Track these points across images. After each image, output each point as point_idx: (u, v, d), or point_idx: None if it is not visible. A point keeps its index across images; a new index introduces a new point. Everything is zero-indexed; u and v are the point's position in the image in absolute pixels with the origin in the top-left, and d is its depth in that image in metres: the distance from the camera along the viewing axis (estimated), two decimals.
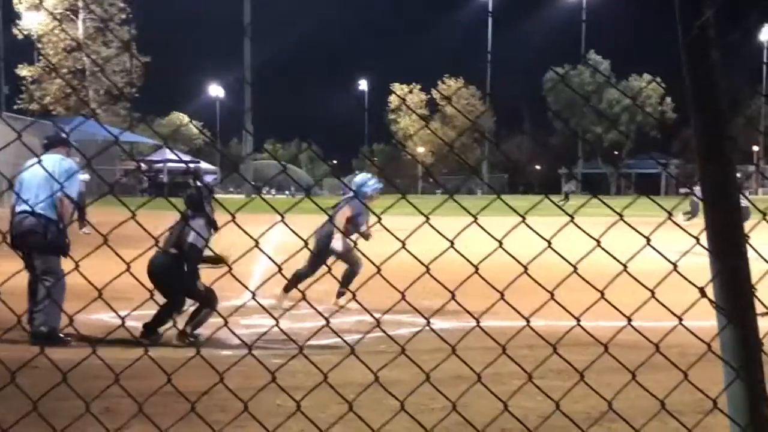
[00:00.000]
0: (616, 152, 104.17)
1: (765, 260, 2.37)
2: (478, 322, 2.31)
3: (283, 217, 2.30)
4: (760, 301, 2.23)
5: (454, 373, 3.37)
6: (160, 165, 69.28)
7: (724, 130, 2.28)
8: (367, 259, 2.44)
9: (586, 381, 2.50)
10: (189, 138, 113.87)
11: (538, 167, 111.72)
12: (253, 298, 2.58)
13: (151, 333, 8.76)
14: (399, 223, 3.27)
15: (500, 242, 2.30)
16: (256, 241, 2.27)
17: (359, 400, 6.09)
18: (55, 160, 8.91)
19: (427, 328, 9.22)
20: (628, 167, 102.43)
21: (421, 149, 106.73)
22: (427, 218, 2.32)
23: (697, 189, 2.34)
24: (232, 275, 2.22)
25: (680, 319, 2.34)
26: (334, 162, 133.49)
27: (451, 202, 2.43)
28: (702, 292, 2.28)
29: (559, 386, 4.15)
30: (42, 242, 8.48)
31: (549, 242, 2.31)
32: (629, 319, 2.35)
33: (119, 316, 2.63)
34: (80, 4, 67.89)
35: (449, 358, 2.81)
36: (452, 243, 2.31)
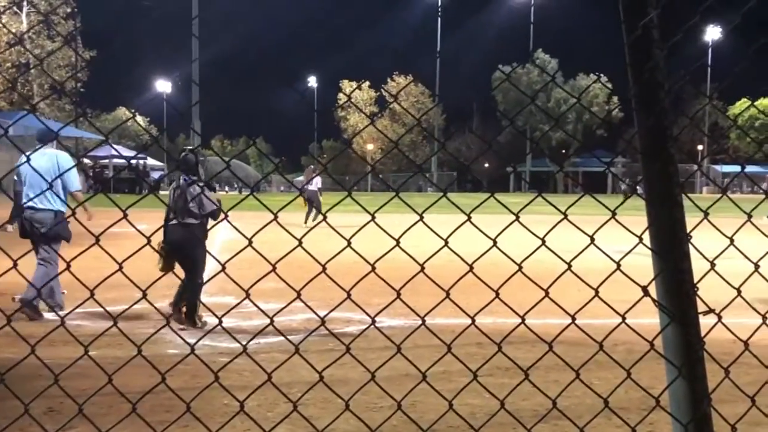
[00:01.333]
0: (563, 151, 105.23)
1: (706, 259, 2.39)
2: (423, 321, 2.30)
3: (276, 216, 2.27)
4: (701, 299, 2.25)
5: (404, 371, 3.35)
6: (105, 161, 68.39)
7: (667, 129, 2.29)
8: (313, 258, 2.41)
9: (530, 379, 2.50)
10: (136, 134, 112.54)
11: (486, 165, 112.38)
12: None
13: (194, 320, 9.56)
14: (347, 221, 3.26)
15: (446, 241, 2.29)
16: (250, 240, 2.24)
17: (309, 398, 6.12)
18: (51, 156, 9.80)
19: (382, 326, 9.09)
20: (575, 165, 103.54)
21: (370, 146, 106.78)
22: (373, 217, 2.30)
23: (641, 188, 2.35)
24: (174, 274, 2.18)
25: (623, 318, 2.35)
26: (283, 158, 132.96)
27: (399, 199, 2.42)
28: (645, 290, 2.30)
29: (507, 383, 4.17)
30: (52, 233, 9.49)
31: (494, 241, 2.31)
32: (573, 318, 2.36)
33: (60, 316, 2.57)
34: None
35: (400, 356, 2.80)
36: (398, 242, 2.30)
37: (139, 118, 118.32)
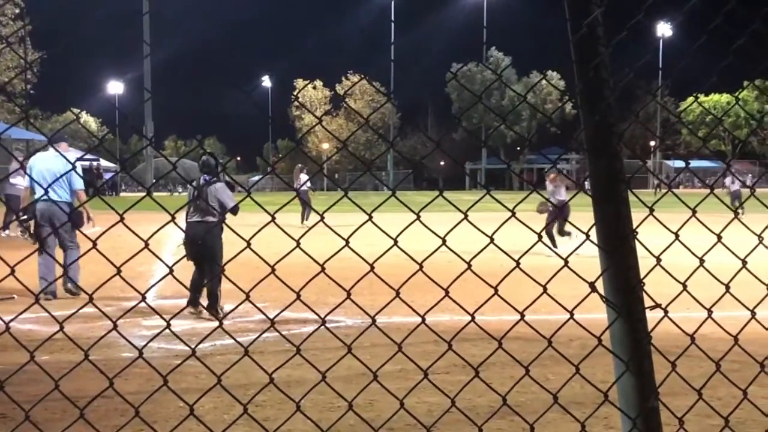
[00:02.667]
0: (518, 148, 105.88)
1: (652, 255, 2.41)
2: (374, 320, 2.29)
3: (273, 217, 2.24)
4: (648, 295, 2.28)
5: (362, 371, 3.35)
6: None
7: (613, 126, 2.31)
8: (262, 259, 2.40)
9: (481, 377, 2.51)
10: (89, 135, 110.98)
11: (442, 163, 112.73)
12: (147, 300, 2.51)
13: (214, 311, 10.26)
14: (298, 221, 3.25)
15: (395, 240, 2.29)
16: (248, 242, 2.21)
17: (266, 399, 6.09)
18: (55, 157, 11.99)
19: (339, 325, 9.07)
20: (529, 163, 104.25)
21: (326, 145, 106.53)
22: (322, 217, 2.29)
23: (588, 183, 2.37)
24: (121, 277, 2.16)
25: (571, 314, 2.37)
26: (238, 158, 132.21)
27: (359, 198, 2.42)
28: (592, 286, 2.32)
29: (463, 380, 4.18)
30: (71, 222, 11.61)
31: (443, 240, 2.31)
32: (522, 315, 2.37)
33: (3, 321, 2.53)
34: None
35: (356, 355, 2.79)
36: (347, 241, 2.29)
37: (90, 120, 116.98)
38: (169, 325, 2.22)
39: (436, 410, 5.60)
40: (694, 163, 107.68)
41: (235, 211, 10.39)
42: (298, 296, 2.28)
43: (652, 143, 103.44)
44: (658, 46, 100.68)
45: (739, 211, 2.83)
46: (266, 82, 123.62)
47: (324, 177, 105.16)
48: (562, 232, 17.35)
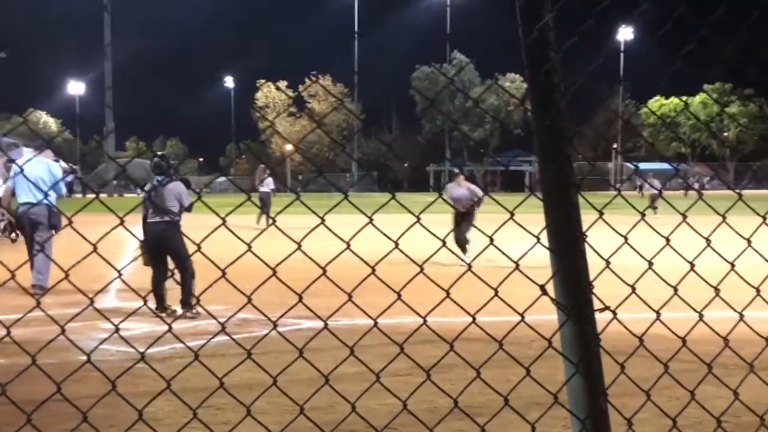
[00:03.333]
0: (482, 150, 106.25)
1: (602, 257, 2.44)
2: (326, 324, 2.30)
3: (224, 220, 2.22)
4: (597, 297, 2.30)
5: (324, 373, 3.36)
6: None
7: (563, 130, 2.33)
8: (211, 261, 2.39)
9: (432, 380, 2.52)
10: (48, 136, 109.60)
11: (406, 165, 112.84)
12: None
13: (189, 305, 10.54)
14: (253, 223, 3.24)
15: (348, 244, 2.30)
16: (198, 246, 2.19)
17: (227, 403, 6.05)
18: (44, 163, 12.83)
19: (301, 327, 9.03)
20: (494, 165, 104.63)
21: (289, 147, 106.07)
22: (274, 220, 2.29)
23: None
24: (70, 281, 2.13)
25: (522, 317, 2.38)
26: (201, 159, 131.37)
27: (323, 200, 2.41)
28: (543, 289, 2.33)
29: (418, 382, 4.17)
30: (46, 224, 12.61)
31: (396, 243, 2.32)
32: (474, 318, 2.38)
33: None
34: None
35: (321, 358, 2.79)
36: (299, 245, 2.29)
37: (51, 120, 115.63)
38: (117, 329, 2.20)
39: (398, 412, 5.60)
40: (655, 166, 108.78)
41: (190, 208, 10.56)
42: (249, 300, 2.27)
43: (615, 146, 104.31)
44: (612, 51, 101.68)
45: (655, 212, 2.86)
46: (229, 83, 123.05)
47: (288, 179, 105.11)
48: (462, 240, 16.12)
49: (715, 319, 2.82)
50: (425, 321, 2.36)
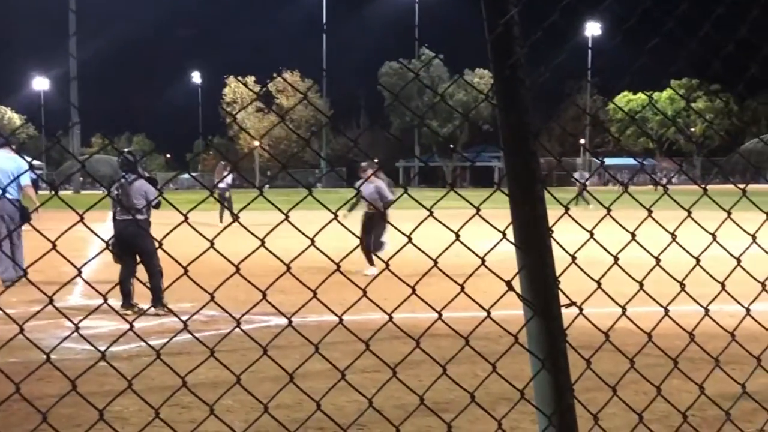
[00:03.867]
0: (451, 146, 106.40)
1: (568, 253, 2.43)
2: (290, 321, 2.27)
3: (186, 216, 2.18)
4: (563, 293, 2.29)
5: (292, 370, 3.34)
6: None
7: (528, 125, 2.32)
8: (174, 259, 2.36)
9: (399, 376, 2.50)
10: (11, 131, 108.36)
11: (375, 160, 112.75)
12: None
13: (160, 304, 10.46)
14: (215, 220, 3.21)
15: (312, 240, 2.27)
16: (160, 243, 2.15)
17: (193, 401, 5.99)
18: (13, 158, 13.46)
19: (269, 324, 9.01)
20: (463, 160, 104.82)
21: (257, 143, 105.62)
22: (237, 217, 2.26)
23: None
24: (29, 280, 2.09)
25: (488, 313, 2.38)
26: (168, 156, 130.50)
27: (291, 196, 2.39)
28: (509, 285, 2.32)
29: (385, 379, 4.16)
30: (16, 216, 13.16)
31: (361, 239, 2.30)
32: (440, 314, 2.37)
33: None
34: None
35: (288, 355, 2.76)
36: (263, 242, 2.26)
37: (15, 116, 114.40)
38: (77, 329, 2.17)
39: (365, 409, 5.58)
40: (623, 161, 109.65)
41: (157, 205, 10.55)
42: (212, 297, 2.25)
43: (582, 141, 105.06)
44: (580, 47, 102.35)
45: (588, 205, 2.86)
46: (196, 78, 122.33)
47: (257, 175, 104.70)
48: (377, 245, 13.50)
49: (681, 313, 2.83)
50: (391, 318, 2.34)
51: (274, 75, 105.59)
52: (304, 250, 2.35)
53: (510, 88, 2.34)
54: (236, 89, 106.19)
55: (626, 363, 2.83)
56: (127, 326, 2.40)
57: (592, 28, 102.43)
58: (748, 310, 3.05)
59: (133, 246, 10.65)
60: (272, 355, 2.57)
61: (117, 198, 10.84)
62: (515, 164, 2.30)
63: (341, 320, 2.41)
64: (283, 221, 2.28)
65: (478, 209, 2.39)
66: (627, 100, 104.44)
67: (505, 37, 2.36)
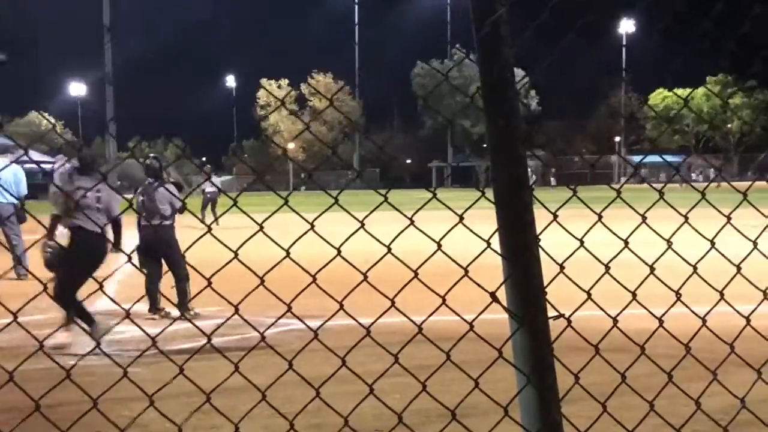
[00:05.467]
0: (484, 145, 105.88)
1: (556, 262, 2.33)
2: (316, 334, 2.21)
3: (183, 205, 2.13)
4: (551, 304, 2.18)
5: (314, 375, 3.27)
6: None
7: (516, 129, 2.21)
8: (196, 270, 2.30)
9: (374, 391, 2.42)
10: (50, 138, 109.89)
11: (409, 161, 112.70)
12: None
13: (185, 309, 10.01)
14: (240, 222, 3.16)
15: (339, 250, 2.20)
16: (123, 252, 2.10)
17: (217, 406, 5.96)
18: (12, 167, 14.66)
19: (293, 328, 8.99)
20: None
21: (291, 145, 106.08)
22: (213, 223, 2.19)
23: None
24: (48, 293, 2.04)
25: (471, 326, 2.28)
26: (203, 159, 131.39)
27: (322, 198, 2.33)
28: (493, 296, 2.22)
29: (414, 384, 4.11)
30: (19, 219, 14.82)
31: (389, 248, 2.23)
32: (471, 325, 2.29)
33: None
34: None
35: (308, 360, 2.71)
36: (236, 253, 2.20)
37: (52, 121, 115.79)
38: (42, 346, 2.11)
39: (386, 414, 5.53)
40: (658, 158, 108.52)
41: (182, 210, 10.56)
42: (237, 311, 2.19)
43: (617, 138, 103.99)
44: (615, 44, 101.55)
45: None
46: (230, 81, 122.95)
47: (290, 177, 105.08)
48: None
49: (676, 318, 2.73)
50: (421, 330, 2.25)
51: (308, 77, 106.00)
52: (329, 261, 2.28)
53: (498, 90, 2.25)
54: (270, 92, 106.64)
55: (614, 375, 2.72)
56: (154, 330, 2.35)
57: (626, 26, 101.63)
58: None
59: (158, 252, 10.61)
60: (296, 360, 2.53)
61: (142, 204, 10.77)
62: (501, 169, 2.20)
63: (368, 332, 2.34)
64: (307, 231, 2.22)
65: (461, 217, 2.29)
66: (663, 96, 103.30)
67: (492, 37, 2.26)
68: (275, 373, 2.89)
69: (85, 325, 8.75)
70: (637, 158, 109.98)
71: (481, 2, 2.30)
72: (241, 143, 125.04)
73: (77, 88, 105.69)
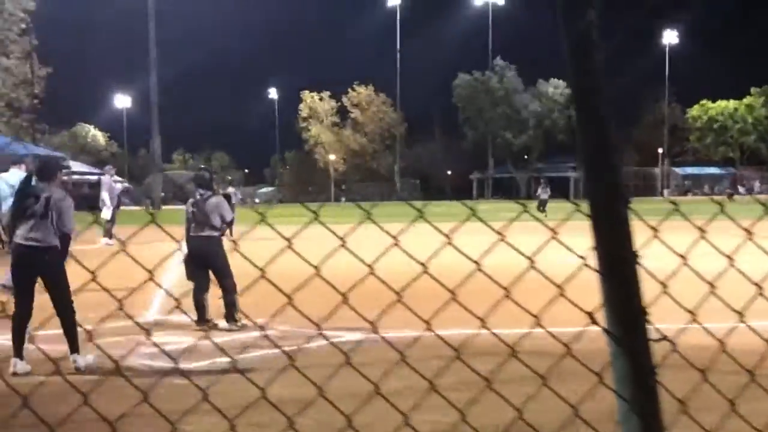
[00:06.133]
0: (525, 156, 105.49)
1: (657, 281, 2.19)
2: (376, 338, 2.09)
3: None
4: (652, 324, 2.03)
5: (367, 388, 3.20)
6: (65, 177, 67.01)
7: (609, 138, 2.08)
8: (273, 284, 2.20)
9: (440, 397, 2.30)
10: (96, 149, 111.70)
11: (449, 172, 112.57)
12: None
13: (234, 319, 10.36)
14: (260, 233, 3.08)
15: (371, 268, 2.10)
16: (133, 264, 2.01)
17: (270, 420, 5.91)
18: (18, 175, 14.83)
19: (342, 339, 8.87)
20: (538, 171, 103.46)
21: (332, 156, 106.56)
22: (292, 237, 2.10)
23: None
24: (122, 304, 1.96)
25: (569, 348, 2.15)
26: (246, 171, 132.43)
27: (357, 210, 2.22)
28: (591, 317, 2.09)
29: (471, 398, 3.99)
30: None
31: (425, 267, 2.12)
32: (428, 327, 2.16)
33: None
34: None
35: (352, 372, 2.61)
36: (318, 270, 2.10)
37: (98, 134, 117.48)
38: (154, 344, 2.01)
39: (440, 428, 5.41)
40: (703, 170, 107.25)
41: (231, 222, 10.78)
42: (319, 327, 2.08)
43: (660, 150, 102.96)
44: (658, 53, 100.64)
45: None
46: (273, 94, 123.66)
47: (332, 188, 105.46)
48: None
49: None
50: (429, 334, 2.14)
51: (350, 89, 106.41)
52: (363, 277, 2.18)
53: (589, 98, 2.12)
54: (312, 104, 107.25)
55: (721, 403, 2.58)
56: (203, 342, 2.25)
57: (670, 36, 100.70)
58: None
59: (206, 262, 10.60)
60: (349, 373, 2.43)
61: (192, 215, 10.78)
62: (596, 181, 2.06)
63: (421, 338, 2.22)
64: (338, 247, 2.11)
65: (554, 232, 2.17)
66: (706, 108, 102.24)
67: (583, 43, 2.13)
68: (326, 385, 2.79)
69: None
70: (679, 170, 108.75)
71: (571, 8, 2.16)
72: (284, 155, 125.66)
73: (122, 100, 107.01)
